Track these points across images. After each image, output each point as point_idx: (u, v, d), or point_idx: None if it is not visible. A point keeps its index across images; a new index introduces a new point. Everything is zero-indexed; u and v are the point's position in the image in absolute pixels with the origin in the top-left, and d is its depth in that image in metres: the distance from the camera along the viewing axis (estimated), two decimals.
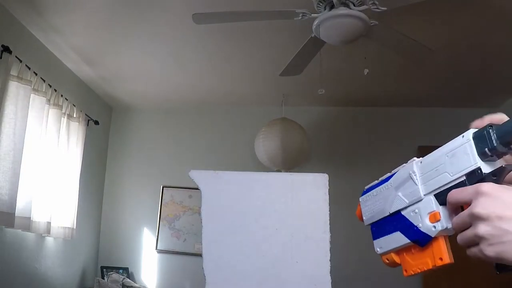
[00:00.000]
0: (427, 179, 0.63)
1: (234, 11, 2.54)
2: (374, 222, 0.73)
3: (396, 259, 0.69)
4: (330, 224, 0.97)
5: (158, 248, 4.38)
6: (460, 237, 0.57)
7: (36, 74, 3.16)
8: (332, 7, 2.40)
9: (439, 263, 0.62)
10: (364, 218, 0.76)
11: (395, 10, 2.45)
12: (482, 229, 0.53)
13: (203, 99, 4.50)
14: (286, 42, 3.16)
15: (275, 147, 3.71)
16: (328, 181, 1.00)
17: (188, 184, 3.96)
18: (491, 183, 0.55)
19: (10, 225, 2.82)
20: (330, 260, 0.95)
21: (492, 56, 3.33)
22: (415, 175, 0.65)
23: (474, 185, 0.56)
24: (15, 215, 2.82)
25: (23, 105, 2.93)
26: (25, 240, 3.17)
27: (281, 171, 3.77)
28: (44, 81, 3.28)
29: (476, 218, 0.54)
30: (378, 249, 0.73)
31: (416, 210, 0.64)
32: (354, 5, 2.39)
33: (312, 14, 2.46)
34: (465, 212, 0.56)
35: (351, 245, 4.05)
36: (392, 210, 0.69)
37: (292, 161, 3.78)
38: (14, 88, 2.88)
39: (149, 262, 4.38)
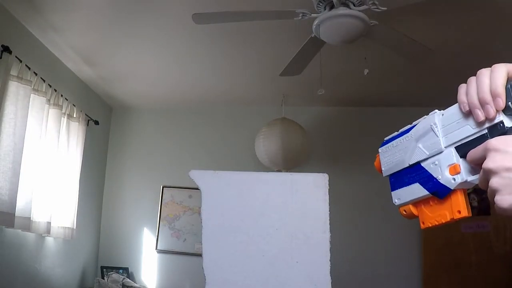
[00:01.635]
0: (448, 131, 0.63)
1: (234, 11, 2.55)
2: (393, 173, 0.72)
3: (414, 211, 0.69)
4: (330, 224, 0.97)
5: (158, 248, 4.38)
6: (488, 193, 0.58)
7: (36, 74, 3.16)
8: (332, 7, 2.40)
9: (457, 216, 0.62)
10: (383, 169, 0.75)
11: (395, 10, 2.45)
12: (493, 182, 0.55)
13: (203, 99, 4.50)
14: (286, 42, 3.16)
15: (275, 147, 3.71)
16: (328, 181, 1.00)
17: (188, 184, 3.96)
18: (499, 137, 0.56)
19: (10, 225, 2.82)
20: (330, 260, 0.95)
21: (492, 56, 3.33)
22: (436, 127, 0.64)
23: (484, 142, 0.57)
24: (15, 215, 2.82)
25: (23, 105, 2.93)
26: (25, 240, 3.17)
27: (281, 171, 3.77)
28: (44, 81, 3.28)
29: (488, 173, 0.56)
30: (396, 200, 0.72)
31: (436, 162, 0.64)
32: (354, 5, 2.39)
33: (312, 14, 2.46)
34: (482, 169, 0.58)
35: (351, 245, 4.05)
36: (412, 162, 0.68)
37: (292, 161, 3.78)
38: (14, 88, 2.87)
39: (149, 262, 4.38)
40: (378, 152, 0.77)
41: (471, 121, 0.60)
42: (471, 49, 3.24)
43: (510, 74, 0.61)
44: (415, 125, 0.69)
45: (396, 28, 2.62)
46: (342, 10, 2.37)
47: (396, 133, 0.74)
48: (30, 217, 3.02)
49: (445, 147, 0.63)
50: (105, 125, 4.62)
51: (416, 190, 0.67)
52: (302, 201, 1.00)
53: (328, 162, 4.35)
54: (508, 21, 2.86)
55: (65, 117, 3.60)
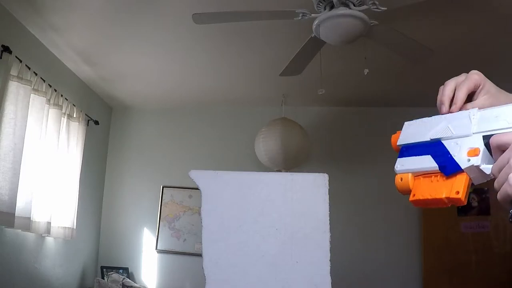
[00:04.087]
0: (483, 122, 0.63)
1: (234, 11, 2.54)
2: (408, 143, 0.71)
3: (411, 180, 0.67)
4: (330, 224, 0.97)
5: (158, 248, 4.38)
6: (497, 179, 0.58)
7: (36, 74, 3.16)
8: (332, 7, 2.40)
9: (454, 195, 0.60)
10: (400, 137, 0.73)
11: (395, 10, 2.45)
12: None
13: (203, 99, 4.50)
14: (286, 42, 3.16)
15: (275, 147, 3.71)
16: (328, 181, 1.00)
17: (188, 184, 3.96)
18: None
19: (10, 225, 2.82)
20: (330, 260, 0.95)
21: (492, 56, 3.33)
22: (473, 115, 0.64)
23: None
24: (15, 215, 2.82)
25: (23, 105, 2.93)
26: (25, 240, 3.17)
27: (281, 171, 3.77)
28: (44, 81, 3.28)
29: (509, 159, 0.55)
30: (398, 166, 0.70)
31: (458, 142, 0.63)
32: (354, 5, 2.39)
33: (312, 14, 2.46)
34: (506, 152, 0.57)
35: (351, 245, 4.05)
36: (434, 136, 0.67)
37: (292, 161, 3.78)
38: (14, 88, 2.87)
39: (149, 262, 4.38)
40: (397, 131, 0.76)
41: (510, 117, 0.59)
42: (471, 49, 3.24)
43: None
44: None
45: (396, 28, 2.62)
46: (342, 10, 2.37)
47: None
48: (30, 217, 3.02)
49: (473, 133, 0.62)
50: (105, 125, 4.62)
51: (425, 161, 0.66)
52: (302, 201, 1.00)
53: (328, 162, 4.34)
54: (508, 21, 2.86)
55: (65, 117, 3.60)
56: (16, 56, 2.92)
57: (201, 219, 0.99)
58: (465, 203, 0.60)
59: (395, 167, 0.70)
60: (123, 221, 4.50)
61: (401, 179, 0.68)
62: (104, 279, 4.01)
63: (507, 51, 3.22)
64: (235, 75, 3.93)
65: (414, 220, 4.10)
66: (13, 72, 2.89)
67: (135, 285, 4.04)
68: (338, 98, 4.29)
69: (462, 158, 0.61)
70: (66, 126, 3.60)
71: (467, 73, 0.73)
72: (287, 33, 3.06)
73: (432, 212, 3.85)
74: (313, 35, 2.59)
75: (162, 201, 4.48)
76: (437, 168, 0.64)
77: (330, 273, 0.94)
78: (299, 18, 2.49)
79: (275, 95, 4.21)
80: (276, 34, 3.13)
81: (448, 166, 0.62)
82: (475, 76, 0.73)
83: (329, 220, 0.98)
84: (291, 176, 1.02)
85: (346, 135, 4.47)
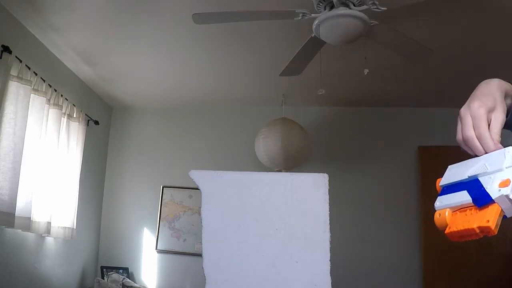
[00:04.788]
0: None
1: (234, 11, 2.54)
2: (448, 183, 0.73)
3: (449, 215, 0.69)
4: (330, 224, 0.97)
5: (158, 248, 4.38)
6: None
7: (36, 74, 3.16)
8: (332, 7, 2.40)
9: (484, 224, 0.62)
10: (442, 179, 0.76)
11: (395, 10, 2.45)
12: None
13: (203, 99, 4.50)
14: (286, 42, 3.16)
15: (275, 147, 3.71)
16: (328, 181, 1.00)
17: (188, 184, 3.97)
18: None
19: (10, 225, 2.82)
20: (330, 260, 0.95)
21: (492, 56, 3.33)
22: (508, 152, 0.66)
23: None
24: (15, 215, 2.82)
25: (23, 105, 2.93)
26: (25, 240, 3.17)
27: (281, 171, 3.77)
28: (44, 81, 3.28)
29: None
30: (438, 203, 0.72)
31: (492, 176, 0.66)
32: (354, 5, 2.39)
33: (312, 14, 2.46)
34: None
35: (351, 245, 4.05)
36: (470, 174, 0.69)
37: (292, 161, 3.78)
38: (14, 88, 2.87)
39: (149, 262, 4.38)
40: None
41: None
42: (471, 49, 3.24)
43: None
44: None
45: (396, 28, 2.62)
46: (342, 10, 2.37)
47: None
48: (30, 217, 3.02)
49: (506, 167, 0.65)
50: (105, 125, 4.62)
51: (460, 196, 0.69)
52: (302, 201, 1.00)
53: (328, 162, 4.35)
54: (509, 22, 2.86)
55: (65, 117, 3.60)
56: (16, 56, 2.92)
57: (201, 219, 0.99)
58: (495, 233, 0.62)
59: (434, 204, 0.73)
60: (123, 221, 4.51)
61: (439, 215, 0.71)
62: (104, 279, 4.01)
63: (507, 51, 3.22)
64: (235, 75, 3.93)
65: (414, 220, 4.10)
66: (13, 72, 2.89)
67: (135, 285, 4.04)
68: (338, 98, 4.29)
69: (493, 189, 0.64)
70: (66, 126, 3.60)
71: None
72: (287, 33, 3.06)
73: (432, 212, 3.85)
74: (313, 35, 2.59)
75: (162, 201, 4.48)
76: (471, 201, 0.66)
77: (330, 273, 0.94)
78: (299, 18, 2.49)
79: (275, 95, 4.21)
80: (276, 34, 3.13)
81: (480, 198, 0.65)
82: (499, 112, 0.71)
83: (329, 220, 0.98)
84: (291, 176, 1.02)
85: (346, 135, 4.47)
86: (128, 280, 4.03)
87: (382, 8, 2.40)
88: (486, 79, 0.79)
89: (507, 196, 0.62)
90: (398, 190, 4.23)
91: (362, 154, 4.40)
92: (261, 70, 3.77)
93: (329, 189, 1.00)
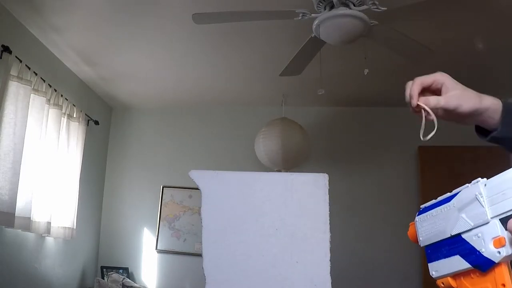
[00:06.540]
0: (494, 202, 0.61)
1: (234, 11, 2.54)
2: (431, 244, 0.70)
3: (453, 283, 0.66)
4: (330, 224, 0.97)
5: (158, 248, 4.38)
6: None
7: (36, 74, 3.16)
8: (332, 7, 2.40)
9: None
10: (420, 238, 0.73)
11: (395, 10, 2.45)
12: None
13: (203, 99, 4.50)
14: (286, 42, 3.16)
15: (275, 147, 3.71)
16: (328, 181, 1.00)
17: (188, 184, 3.96)
18: None
19: (10, 225, 2.82)
20: (330, 260, 0.95)
21: (492, 56, 3.33)
22: (481, 196, 0.62)
23: None
24: (15, 215, 2.82)
25: (23, 105, 2.93)
26: (25, 240, 3.17)
27: (281, 171, 3.77)
28: (44, 81, 3.28)
29: None
30: (434, 273, 0.69)
31: (479, 234, 0.62)
32: (354, 5, 2.39)
33: (312, 14, 2.46)
34: None
35: (351, 245, 4.05)
36: (454, 232, 0.66)
37: (292, 161, 3.78)
38: (14, 88, 2.88)
39: (149, 262, 4.38)
40: (417, 215, 0.75)
41: None
42: (471, 49, 3.24)
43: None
44: (456, 193, 0.67)
45: (396, 28, 2.62)
46: (342, 10, 2.37)
47: (434, 201, 0.72)
48: (30, 217, 3.02)
49: (490, 218, 0.61)
50: (105, 125, 4.62)
51: (456, 263, 0.65)
52: (302, 201, 1.00)
53: (328, 162, 4.35)
54: (508, 22, 2.86)
55: (65, 117, 3.60)
56: (16, 56, 2.92)
57: (201, 219, 0.99)
58: None
59: (430, 273, 0.70)
60: (123, 221, 4.51)
61: (443, 283, 0.68)
62: (104, 279, 4.01)
63: (506, 51, 3.22)
64: (235, 75, 3.93)
65: (414, 220, 4.10)
66: (13, 72, 2.89)
67: (135, 285, 4.04)
68: (338, 98, 4.29)
69: (491, 252, 0.60)
70: (66, 126, 3.60)
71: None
72: (287, 33, 3.06)
73: None
74: (313, 35, 2.59)
75: (162, 201, 4.48)
76: (471, 267, 0.63)
77: (330, 273, 0.94)
78: (299, 18, 2.49)
79: (275, 95, 4.21)
80: (276, 34, 3.13)
81: (482, 264, 0.62)
82: (436, 74, 0.83)
83: (329, 220, 0.98)
84: (291, 176, 1.02)
85: (346, 135, 4.47)
86: (128, 280, 4.03)
87: (382, 8, 2.40)
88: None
89: (510, 255, 0.59)
90: (398, 190, 4.23)
91: (362, 154, 4.40)
92: (261, 70, 3.77)
93: (329, 189, 1.00)
